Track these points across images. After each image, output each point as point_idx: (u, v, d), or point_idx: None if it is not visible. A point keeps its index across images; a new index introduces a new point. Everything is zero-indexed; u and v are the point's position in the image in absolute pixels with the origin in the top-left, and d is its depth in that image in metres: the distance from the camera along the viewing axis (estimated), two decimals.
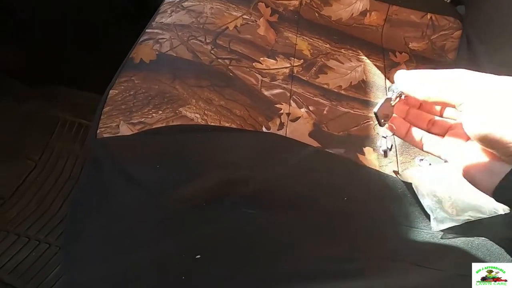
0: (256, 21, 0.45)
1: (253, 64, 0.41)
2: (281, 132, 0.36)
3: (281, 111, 0.37)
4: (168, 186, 0.29)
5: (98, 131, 0.32)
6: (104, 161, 0.29)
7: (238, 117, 0.35)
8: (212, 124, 0.33)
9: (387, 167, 0.38)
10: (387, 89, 0.37)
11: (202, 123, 0.33)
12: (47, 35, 0.75)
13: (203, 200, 0.29)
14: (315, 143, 0.37)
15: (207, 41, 0.40)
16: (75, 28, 0.73)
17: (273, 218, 0.29)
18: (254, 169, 0.31)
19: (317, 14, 0.50)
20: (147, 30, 0.43)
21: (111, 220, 0.27)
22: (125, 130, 0.32)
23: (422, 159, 0.39)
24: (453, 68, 0.21)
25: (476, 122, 0.18)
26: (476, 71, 0.19)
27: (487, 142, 0.18)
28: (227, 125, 0.34)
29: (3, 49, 0.81)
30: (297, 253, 0.28)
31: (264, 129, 0.35)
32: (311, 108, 0.40)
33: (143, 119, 0.32)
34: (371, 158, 0.38)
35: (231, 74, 0.38)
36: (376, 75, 0.47)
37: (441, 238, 0.32)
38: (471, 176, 0.20)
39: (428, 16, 0.53)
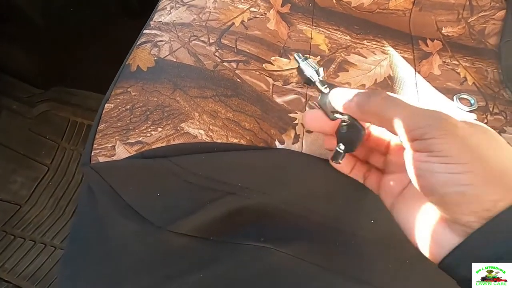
0: (266, 13, 0.40)
1: (263, 65, 0.36)
2: (296, 146, 0.31)
3: (296, 121, 0.33)
4: (170, 217, 0.25)
5: (92, 154, 0.29)
6: (99, 189, 0.26)
7: (248, 132, 0.31)
8: (219, 141, 0.29)
9: None
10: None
11: (207, 141, 0.29)
12: (56, 36, 0.73)
13: (211, 232, 0.26)
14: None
15: (211, 41, 0.36)
16: (85, 27, 0.71)
17: (296, 251, 0.25)
18: (268, 194, 0.27)
19: (334, 1, 0.44)
20: (144, 31, 0.38)
21: (107, 258, 0.24)
22: (122, 152, 0.29)
23: None
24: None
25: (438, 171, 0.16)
26: None
27: (444, 204, 0.16)
28: (235, 141, 0.30)
29: (15, 53, 0.80)
30: None
31: (277, 144, 0.31)
32: None
33: (141, 138, 0.29)
34: None
35: (238, 80, 0.33)
36: (404, 69, 0.41)
37: None
38: (416, 239, 0.19)
39: None
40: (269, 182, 0.28)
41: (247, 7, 0.40)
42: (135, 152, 0.28)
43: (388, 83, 0.40)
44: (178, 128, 0.29)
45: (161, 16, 0.39)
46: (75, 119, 0.80)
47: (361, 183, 0.30)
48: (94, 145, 0.29)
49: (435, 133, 0.16)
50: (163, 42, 0.36)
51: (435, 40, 0.44)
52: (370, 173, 0.26)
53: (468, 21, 0.46)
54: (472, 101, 0.40)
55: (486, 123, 0.38)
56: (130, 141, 0.29)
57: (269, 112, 0.33)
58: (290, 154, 0.30)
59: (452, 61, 0.43)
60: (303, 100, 0.35)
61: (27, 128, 0.78)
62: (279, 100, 0.34)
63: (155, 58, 0.34)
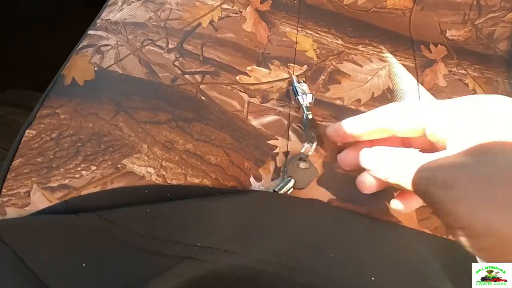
0: (241, 12, 0.33)
1: (237, 77, 0.29)
2: (277, 183, 0.24)
3: (277, 150, 0.26)
4: None
5: None
6: (1, 257, 0.19)
7: (214, 167, 0.23)
8: (174, 182, 0.22)
9: (430, 220, 0.27)
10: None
11: (157, 182, 0.22)
12: (11, 32, 0.64)
13: None
14: (327, 195, 0.26)
15: (170, 46, 0.28)
16: (46, 21, 0.62)
17: None
18: (239, 253, 0.21)
19: None
20: (89, 32, 0.31)
21: None
22: (39, 200, 0.21)
23: None
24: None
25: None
26: None
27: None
28: (196, 181, 0.23)
29: None
30: None
31: (252, 181, 0.24)
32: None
33: (67, 181, 0.21)
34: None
35: (203, 98, 0.26)
36: (405, 80, 0.35)
37: None
38: None
39: None
40: (241, 237, 0.21)
41: (218, 4, 0.32)
42: (57, 201, 0.21)
43: (388, 97, 0.33)
44: (119, 166, 0.22)
45: (111, 13, 0.31)
46: None
47: (359, 223, 0.24)
48: (3, 190, 0.21)
49: None
50: (108, 47, 0.28)
51: (439, 45, 0.38)
52: None
53: (475, 23, 0.40)
54: None
55: None
56: (51, 184, 0.21)
57: (242, 139, 0.25)
58: (268, 198, 0.23)
59: (459, 70, 0.37)
60: (286, 122, 0.28)
61: None
62: (255, 122, 0.27)
63: (96, 69, 0.26)
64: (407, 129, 0.21)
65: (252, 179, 0.24)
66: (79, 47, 0.29)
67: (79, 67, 0.27)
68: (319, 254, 0.23)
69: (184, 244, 0.20)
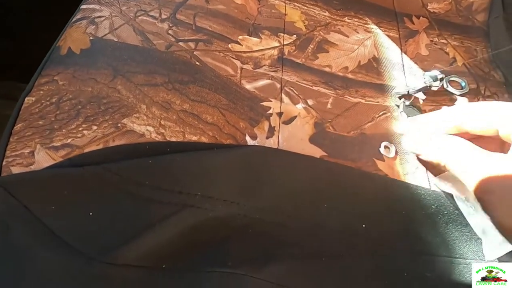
0: None
1: (229, 45, 0.30)
2: (271, 141, 0.26)
3: (270, 111, 0.27)
4: (108, 245, 0.19)
5: (4, 163, 0.22)
6: (9, 212, 0.20)
7: (210, 126, 0.25)
8: (173, 139, 0.23)
9: (414, 174, 0.29)
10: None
11: (157, 140, 0.23)
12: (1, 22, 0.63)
13: (163, 260, 0.20)
14: (318, 152, 0.27)
15: (163, 16, 0.29)
16: (34, 10, 0.61)
17: (274, 276, 0.20)
18: (238, 203, 0.22)
19: None
20: (82, 6, 0.31)
21: None
22: (43, 159, 0.22)
23: None
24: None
25: None
26: None
27: None
28: (194, 138, 0.24)
29: None
30: None
31: (248, 140, 0.25)
32: (310, 102, 0.29)
33: (69, 140, 0.22)
34: (393, 164, 0.29)
35: (197, 63, 0.27)
36: (390, 49, 0.37)
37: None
38: None
39: None
40: (239, 187, 0.23)
41: None
42: (61, 159, 0.22)
43: (373, 65, 0.35)
44: (119, 125, 0.23)
45: None
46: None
47: (349, 176, 0.25)
48: (7, 152, 0.22)
49: None
50: (102, 18, 0.28)
51: (421, 17, 0.40)
52: None
53: None
54: (463, 84, 0.36)
55: None
56: (54, 144, 0.22)
57: (237, 101, 0.27)
58: (265, 152, 0.24)
59: (440, 40, 0.39)
60: (278, 85, 0.29)
61: None
62: (249, 86, 0.28)
63: (91, 38, 0.27)
64: (480, 128, 0.22)
65: (247, 137, 0.25)
66: (73, 20, 0.30)
67: (74, 37, 0.27)
68: (314, 205, 0.25)
69: (185, 193, 0.21)
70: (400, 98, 0.32)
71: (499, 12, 0.41)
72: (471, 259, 0.25)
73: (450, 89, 0.35)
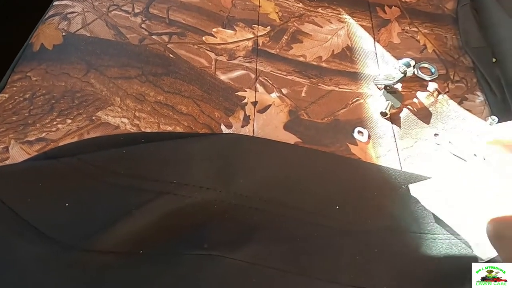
0: None
1: (203, 38, 0.30)
2: (247, 130, 0.26)
3: (245, 100, 0.28)
4: (85, 232, 0.20)
5: None
6: None
7: (185, 116, 0.25)
8: (148, 130, 0.24)
9: (386, 157, 0.30)
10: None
11: (132, 131, 0.23)
12: None
13: (140, 245, 0.20)
14: (293, 138, 0.28)
15: (136, 11, 0.29)
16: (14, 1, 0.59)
17: (248, 256, 0.21)
18: (214, 189, 0.23)
19: None
20: (54, 3, 0.31)
21: None
22: (17, 153, 0.22)
23: (437, 134, 0.31)
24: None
25: None
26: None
27: None
28: (169, 129, 0.24)
29: None
30: None
31: (223, 129, 0.26)
32: (284, 91, 0.30)
33: (44, 135, 0.23)
34: (366, 148, 0.30)
35: (171, 55, 0.28)
36: (363, 39, 0.38)
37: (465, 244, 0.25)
38: None
39: None
40: (215, 174, 0.23)
41: None
42: (36, 153, 0.22)
43: (347, 54, 0.36)
44: (94, 117, 0.23)
45: None
46: None
47: (322, 160, 0.26)
48: None
49: None
50: (75, 14, 0.29)
51: (393, 7, 0.41)
52: None
53: None
54: (433, 70, 0.37)
55: (447, 92, 0.36)
56: (29, 139, 0.22)
57: (211, 91, 0.27)
58: (240, 139, 0.25)
59: (411, 28, 0.40)
60: (253, 76, 0.30)
61: None
62: (223, 77, 0.29)
63: (64, 34, 0.27)
64: None
65: (223, 126, 0.26)
66: (46, 17, 0.30)
67: (47, 34, 0.28)
68: (289, 189, 0.26)
69: (161, 181, 0.22)
70: (380, 89, 0.33)
71: (467, 0, 0.42)
72: (439, 233, 0.26)
73: (421, 75, 0.36)
